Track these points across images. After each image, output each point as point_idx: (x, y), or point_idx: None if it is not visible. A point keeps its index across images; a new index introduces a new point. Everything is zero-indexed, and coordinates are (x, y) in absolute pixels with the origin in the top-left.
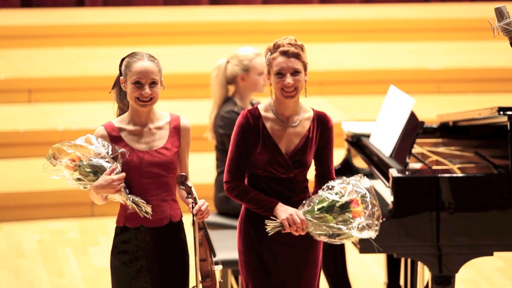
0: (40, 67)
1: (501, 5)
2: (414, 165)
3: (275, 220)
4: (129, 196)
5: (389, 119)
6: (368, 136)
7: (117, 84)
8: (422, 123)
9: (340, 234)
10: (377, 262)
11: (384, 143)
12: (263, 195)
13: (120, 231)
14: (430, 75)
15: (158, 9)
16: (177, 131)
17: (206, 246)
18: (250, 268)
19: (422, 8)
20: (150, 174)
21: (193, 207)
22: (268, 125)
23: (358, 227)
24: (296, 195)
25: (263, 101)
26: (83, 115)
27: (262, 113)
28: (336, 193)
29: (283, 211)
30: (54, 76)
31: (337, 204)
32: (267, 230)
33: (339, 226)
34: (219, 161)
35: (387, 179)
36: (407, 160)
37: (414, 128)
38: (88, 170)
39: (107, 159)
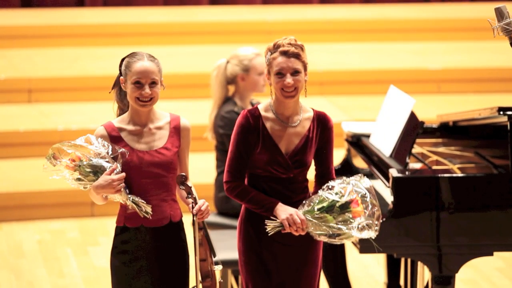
0: (40, 67)
1: (501, 5)
2: (414, 165)
3: (275, 220)
4: (129, 196)
5: (389, 119)
6: (368, 136)
7: (117, 84)
8: (422, 123)
9: (340, 234)
10: (377, 262)
11: (384, 143)
12: (263, 195)
13: (120, 231)
14: (430, 75)
15: (158, 9)
16: (177, 131)
17: (206, 246)
18: (250, 268)
19: (422, 8)
20: (150, 174)
21: (193, 207)
22: (268, 125)
23: (358, 227)
24: (296, 195)
25: (263, 101)
26: (83, 115)
27: (262, 113)
28: (336, 193)
29: (283, 211)
30: (54, 76)
31: (337, 204)
32: (267, 230)
33: (339, 226)
34: (219, 161)
35: (387, 179)
36: (407, 160)
37: (414, 128)
38: (88, 170)
39: (107, 159)
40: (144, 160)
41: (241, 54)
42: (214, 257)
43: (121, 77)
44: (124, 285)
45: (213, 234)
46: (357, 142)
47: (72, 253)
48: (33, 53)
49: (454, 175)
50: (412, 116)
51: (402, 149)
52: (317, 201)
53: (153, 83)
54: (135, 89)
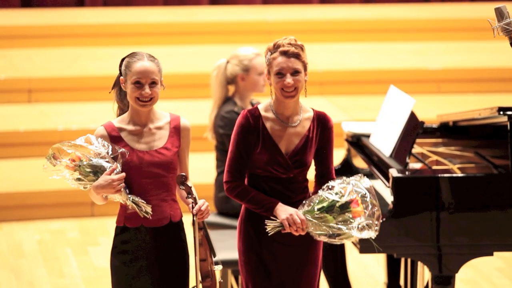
0: (40, 67)
1: (501, 5)
2: (414, 165)
3: (275, 220)
4: (129, 196)
5: (389, 119)
6: (368, 136)
7: (117, 84)
8: (422, 123)
9: (340, 234)
10: (377, 262)
11: (384, 143)
12: (263, 195)
13: (120, 231)
14: (430, 75)
15: (158, 9)
16: (177, 131)
17: (206, 246)
18: (250, 268)
19: (422, 8)
20: (150, 174)
21: (193, 207)
22: (268, 125)
23: (358, 227)
24: (296, 195)
25: (263, 101)
26: (83, 115)
27: (262, 113)
28: (336, 193)
29: (283, 211)
30: (54, 76)
31: (337, 204)
32: (267, 230)
33: (339, 226)
34: (219, 161)
35: (387, 179)
36: (407, 160)
37: (414, 128)
38: (88, 170)
39: (107, 159)
40: (144, 160)
41: (241, 54)
42: (214, 257)
43: (121, 77)
44: (124, 285)
45: (213, 234)
46: (357, 142)
47: (72, 253)
48: (33, 53)
49: (454, 175)
50: (412, 116)
51: (402, 149)
52: (317, 201)
53: (153, 83)
54: (135, 89)
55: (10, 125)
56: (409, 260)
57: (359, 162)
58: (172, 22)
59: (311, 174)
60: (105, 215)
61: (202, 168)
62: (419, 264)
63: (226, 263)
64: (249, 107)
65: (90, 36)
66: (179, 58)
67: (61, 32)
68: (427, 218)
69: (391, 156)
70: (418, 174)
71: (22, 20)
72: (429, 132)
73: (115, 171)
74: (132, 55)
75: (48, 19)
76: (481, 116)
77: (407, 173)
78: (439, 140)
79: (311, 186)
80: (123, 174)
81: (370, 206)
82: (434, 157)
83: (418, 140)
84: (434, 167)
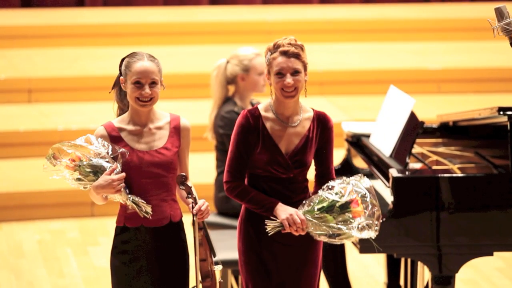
0: (40, 67)
1: (501, 5)
2: (414, 165)
3: (275, 220)
4: (129, 196)
5: (389, 119)
6: (368, 136)
7: (117, 84)
8: (422, 123)
9: (340, 234)
10: (377, 262)
11: (384, 143)
12: (263, 195)
13: (120, 231)
14: (430, 75)
15: (158, 9)
16: (177, 131)
17: (206, 246)
18: (250, 268)
19: (422, 8)
20: (150, 174)
21: (193, 207)
22: (268, 125)
23: (358, 227)
24: (296, 195)
25: (263, 101)
26: (83, 115)
27: (262, 113)
28: (336, 193)
29: (283, 211)
30: (54, 76)
31: (337, 204)
32: (267, 230)
33: (339, 226)
34: (219, 161)
35: (387, 179)
36: (407, 160)
37: (414, 128)
38: (88, 170)
39: (107, 159)
40: (144, 160)
41: (241, 54)
42: (214, 257)
43: (121, 77)
44: (124, 285)
45: (213, 234)
46: (357, 142)
47: (72, 253)
48: (33, 53)
49: (454, 175)
50: (412, 116)
51: (402, 149)
52: (317, 201)
53: (153, 83)
54: (135, 89)
55: (10, 125)
56: (409, 260)
57: (359, 162)
58: (172, 22)
59: (311, 174)
60: (105, 215)
61: (202, 168)
62: (419, 264)
63: (226, 263)
64: (249, 107)
65: (90, 36)
66: (179, 58)
67: (61, 32)
68: (427, 218)
69: (391, 156)
70: (418, 174)
71: (22, 20)
72: (429, 132)
73: (115, 171)
74: (132, 55)
75: (48, 19)
76: (481, 116)
77: (407, 173)
78: (439, 140)
79: (311, 186)
80: (123, 174)
81: (370, 206)
82: (434, 157)
83: (418, 140)
84: (434, 167)
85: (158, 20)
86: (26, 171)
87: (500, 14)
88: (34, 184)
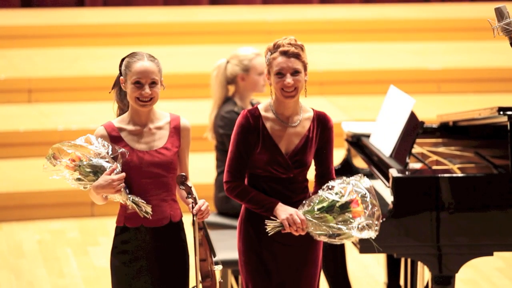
0: (40, 67)
1: (501, 5)
2: (414, 165)
3: (275, 220)
4: (129, 196)
5: (389, 119)
6: (368, 136)
7: (117, 84)
8: (422, 123)
9: (340, 234)
10: (377, 262)
11: (384, 143)
12: (263, 195)
13: (120, 231)
14: (430, 75)
15: (158, 9)
16: (177, 131)
17: (206, 246)
18: (250, 268)
19: (422, 8)
20: (150, 174)
21: (193, 207)
22: (268, 125)
23: (358, 227)
24: (296, 195)
25: (263, 101)
26: (83, 115)
27: (262, 113)
28: (336, 193)
29: (283, 211)
30: (54, 76)
31: (337, 204)
32: (267, 230)
33: (339, 226)
34: (219, 161)
35: (387, 179)
36: (407, 160)
37: (414, 128)
38: (88, 170)
39: (107, 159)
40: (144, 160)
41: (241, 54)
42: (214, 257)
43: (121, 77)
44: (124, 285)
45: (213, 234)
46: (357, 142)
47: (72, 253)
48: (33, 53)
49: (454, 175)
50: (412, 116)
51: (402, 149)
52: (317, 201)
53: (153, 83)
54: (135, 89)
55: (10, 125)
56: (409, 260)
57: (359, 162)
58: (172, 22)
59: (311, 174)
60: (105, 215)
61: (202, 168)
62: (419, 264)
63: (226, 263)
64: (249, 107)
65: (90, 36)
66: (179, 58)
67: (61, 32)
68: (427, 218)
69: (391, 156)
70: (418, 174)
71: (22, 20)
72: (429, 132)
73: (115, 171)
74: (132, 55)
75: (48, 19)
76: (481, 116)
77: (407, 173)
78: (439, 140)
79: (311, 186)
80: (123, 174)
81: (370, 206)
82: (434, 157)
83: (418, 140)
84: (434, 167)
85: (158, 20)
86: (26, 171)
87: (500, 14)
88: (34, 184)
